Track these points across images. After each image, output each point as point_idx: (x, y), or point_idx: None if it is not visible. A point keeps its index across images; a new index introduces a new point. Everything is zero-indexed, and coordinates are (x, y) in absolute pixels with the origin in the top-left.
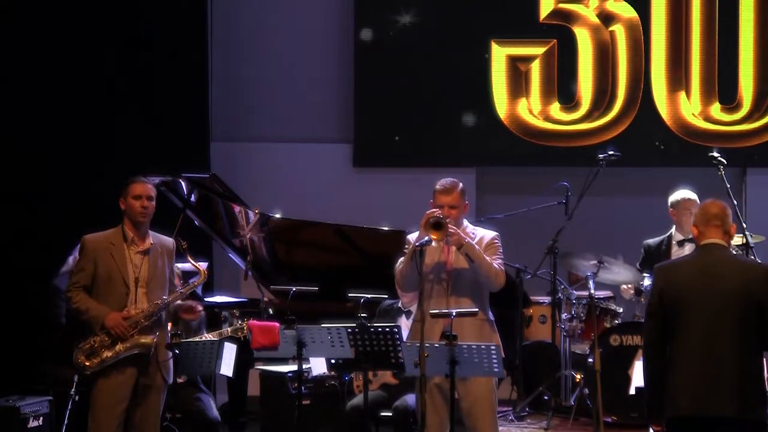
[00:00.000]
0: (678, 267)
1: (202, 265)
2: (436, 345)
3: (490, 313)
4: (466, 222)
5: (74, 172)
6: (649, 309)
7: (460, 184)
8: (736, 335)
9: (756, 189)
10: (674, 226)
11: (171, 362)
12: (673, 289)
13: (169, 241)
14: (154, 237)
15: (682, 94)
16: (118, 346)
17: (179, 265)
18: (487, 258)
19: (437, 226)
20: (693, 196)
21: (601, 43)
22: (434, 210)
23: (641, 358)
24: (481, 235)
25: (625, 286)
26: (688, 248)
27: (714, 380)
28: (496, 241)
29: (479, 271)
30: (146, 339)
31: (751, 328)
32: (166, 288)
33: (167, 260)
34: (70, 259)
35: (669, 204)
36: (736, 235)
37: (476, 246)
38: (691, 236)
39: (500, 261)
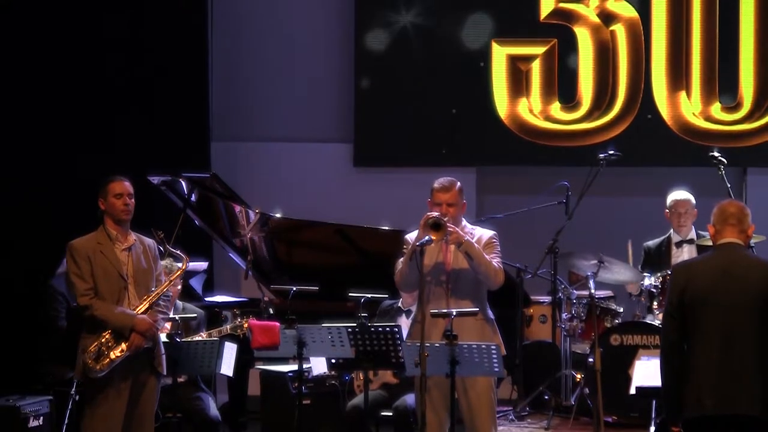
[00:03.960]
0: (697, 266)
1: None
2: (437, 345)
3: (490, 313)
4: (464, 221)
5: (74, 172)
6: (669, 309)
7: (458, 183)
8: (758, 334)
9: (756, 189)
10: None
11: (164, 356)
12: (693, 288)
13: (151, 241)
14: (135, 235)
15: (683, 94)
16: (123, 345)
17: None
18: (487, 256)
19: (436, 226)
20: (683, 197)
21: (602, 43)
22: (432, 213)
23: (642, 357)
24: (479, 234)
25: (632, 284)
26: (686, 249)
27: (738, 379)
28: (494, 240)
29: (478, 269)
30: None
31: None
32: (153, 283)
33: (151, 258)
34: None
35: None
36: None
37: (475, 244)
38: (689, 237)
39: (499, 259)
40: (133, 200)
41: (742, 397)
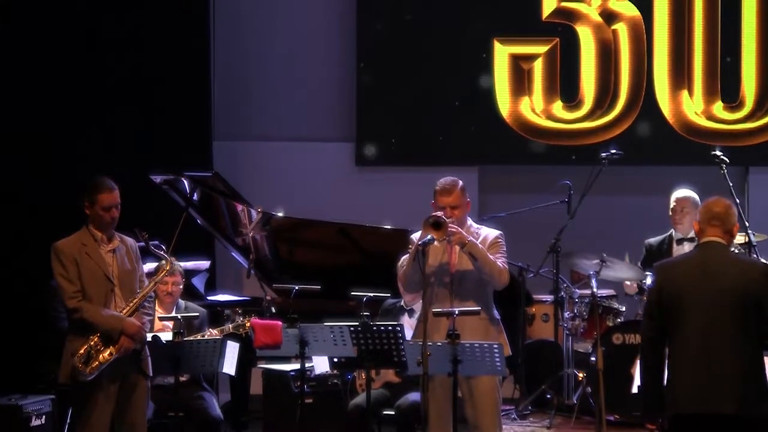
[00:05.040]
0: (677, 265)
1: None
2: (439, 344)
3: (496, 313)
4: (470, 221)
5: (75, 171)
6: (648, 307)
7: (460, 182)
8: (735, 332)
9: (758, 188)
10: None
11: (149, 358)
12: (672, 287)
13: (131, 241)
14: (117, 235)
15: (685, 93)
16: (111, 348)
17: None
18: (491, 256)
19: (436, 225)
20: (681, 195)
21: (604, 42)
22: (436, 213)
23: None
24: (485, 234)
25: (628, 282)
26: (687, 247)
27: (714, 378)
28: (500, 239)
29: (483, 269)
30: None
31: (749, 325)
32: (137, 285)
33: (134, 259)
34: None
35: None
36: (739, 233)
37: (479, 244)
38: (690, 235)
39: (504, 259)
40: (119, 207)
41: (717, 395)
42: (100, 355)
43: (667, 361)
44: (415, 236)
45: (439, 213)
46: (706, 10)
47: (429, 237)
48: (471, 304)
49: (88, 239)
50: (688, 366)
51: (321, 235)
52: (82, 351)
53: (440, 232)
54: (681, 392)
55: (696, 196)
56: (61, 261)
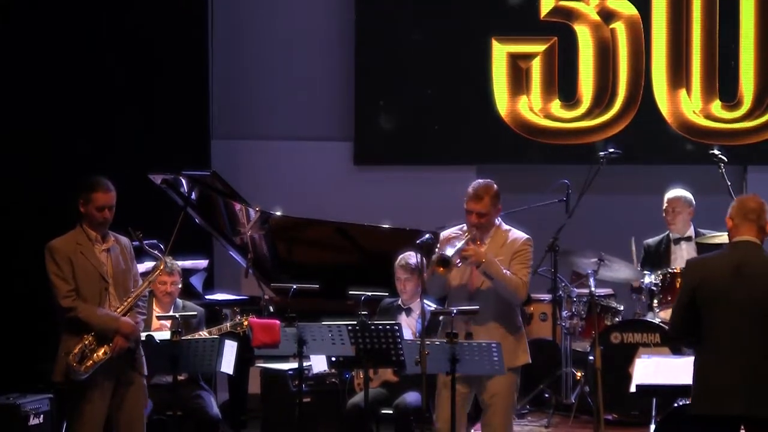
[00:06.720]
0: (712, 264)
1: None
2: (437, 343)
3: (519, 321)
4: (499, 221)
5: (74, 171)
6: (679, 305)
7: (494, 188)
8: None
9: (757, 187)
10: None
11: (144, 357)
12: (707, 287)
13: (126, 240)
14: (112, 234)
15: (683, 92)
16: (106, 347)
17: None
18: (508, 272)
19: (444, 263)
20: (672, 195)
21: (602, 41)
22: (449, 232)
23: (642, 355)
24: (513, 237)
25: (635, 282)
26: (685, 246)
27: (746, 379)
28: (527, 245)
29: (498, 287)
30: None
31: None
32: (131, 284)
33: (129, 258)
34: None
35: None
36: None
37: (495, 262)
38: (686, 234)
39: (527, 270)
40: (113, 209)
41: (756, 397)
42: (95, 354)
43: (695, 359)
44: (444, 234)
45: (454, 239)
46: (704, 8)
47: (427, 236)
48: (492, 322)
49: (82, 238)
50: (734, 369)
51: (319, 235)
52: (76, 350)
53: (447, 269)
54: (730, 394)
55: (688, 195)
56: (56, 260)
